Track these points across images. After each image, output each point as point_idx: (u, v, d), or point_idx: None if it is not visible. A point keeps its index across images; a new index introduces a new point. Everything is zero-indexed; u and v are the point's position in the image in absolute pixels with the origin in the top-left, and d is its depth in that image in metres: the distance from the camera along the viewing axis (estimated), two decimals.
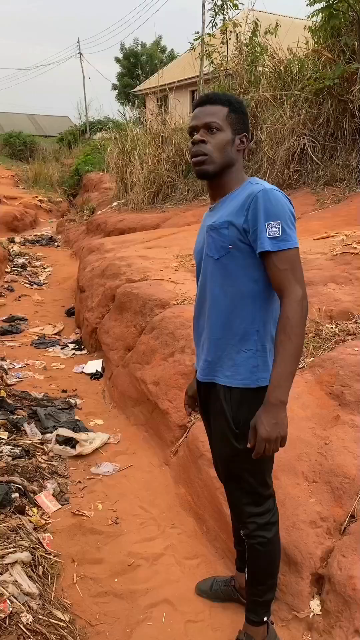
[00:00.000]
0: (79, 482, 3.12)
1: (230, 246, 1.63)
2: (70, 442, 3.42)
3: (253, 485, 1.80)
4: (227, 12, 9.65)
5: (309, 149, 6.74)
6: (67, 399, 4.15)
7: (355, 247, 3.99)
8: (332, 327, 3.09)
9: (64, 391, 4.39)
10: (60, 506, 2.87)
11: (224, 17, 9.67)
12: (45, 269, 9.84)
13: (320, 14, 6.87)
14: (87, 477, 3.17)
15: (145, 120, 10.82)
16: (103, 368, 4.73)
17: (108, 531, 2.69)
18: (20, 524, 2.52)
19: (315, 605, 2.02)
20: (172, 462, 3.14)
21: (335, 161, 6.61)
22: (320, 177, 6.60)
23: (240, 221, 1.60)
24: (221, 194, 1.74)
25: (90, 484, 3.10)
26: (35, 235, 13.21)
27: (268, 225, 1.54)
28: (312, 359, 2.91)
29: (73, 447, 3.39)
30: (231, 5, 9.50)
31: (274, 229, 1.54)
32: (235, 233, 1.61)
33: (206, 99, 1.69)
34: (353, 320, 3.13)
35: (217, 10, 9.68)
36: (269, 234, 1.54)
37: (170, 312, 3.85)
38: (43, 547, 2.47)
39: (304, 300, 1.56)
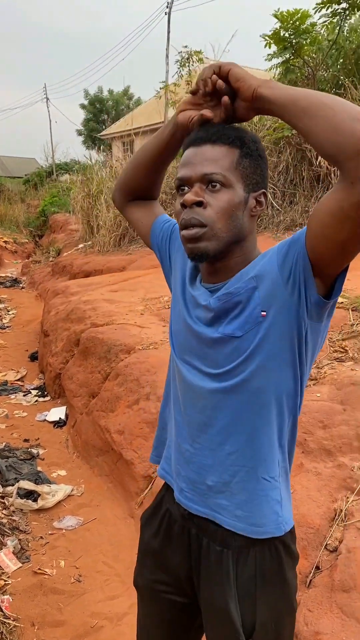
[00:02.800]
0: (41, 537, 3.01)
1: (263, 312, 1.05)
2: (32, 495, 3.32)
3: None
4: (193, 64, 10.13)
5: (269, 196, 6.96)
6: (29, 449, 4.04)
7: None
8: None
9: (26, 440, 4.28)
10: (20, 565, 2.75)
11: (189, 69, 10.13)
12: (9, 311, 9.70)
13: (278, 68, 7.24)
14: (49, 532, 3.07)
15: (111, 167, 11.02)
16: (67, 415, 4.64)
17: (70, 590, 2.59)
18: None
19: None
20: (137, 515, 3.07)
21: (295, 207, 6.84)
22: (280, 222, 6.81)
23: (275, 268, 1.05)
24: (225, 277, 1.14)
25: (53, 539, 3.00)
26: None
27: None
28: None
29: (35, 500, 3.28)
30: (196, 59, 9.99)
31: None
32: (270, 287, 1.05)
33: (206, 136, 1.08)
34: (314, 365, 3.19)
35: (182, 63, 10.15)
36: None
37: (135, 358, 3.84)
38: (2, 611, 2.36)
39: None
